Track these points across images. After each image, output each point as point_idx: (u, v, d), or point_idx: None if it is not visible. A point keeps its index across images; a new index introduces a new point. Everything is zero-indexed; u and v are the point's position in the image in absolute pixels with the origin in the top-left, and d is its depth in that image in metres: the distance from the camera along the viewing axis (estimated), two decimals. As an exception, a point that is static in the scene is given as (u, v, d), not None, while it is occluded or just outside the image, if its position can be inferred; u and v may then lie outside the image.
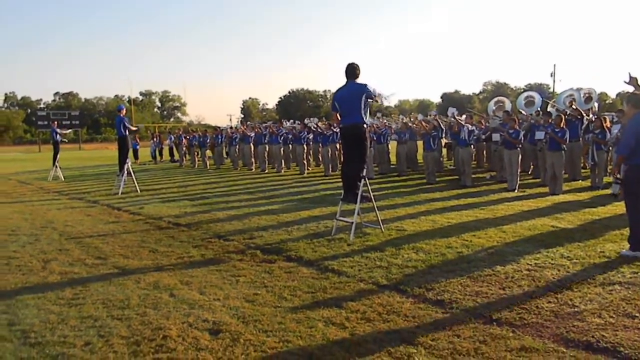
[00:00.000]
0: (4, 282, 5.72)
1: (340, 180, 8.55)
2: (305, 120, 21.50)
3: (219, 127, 26.04)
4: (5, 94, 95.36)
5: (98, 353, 3.81)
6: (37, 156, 43.56)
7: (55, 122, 22.57)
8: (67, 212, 10.71)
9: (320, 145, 18.15)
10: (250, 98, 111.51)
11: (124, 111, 14.43)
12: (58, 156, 18.99)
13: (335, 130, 16.85)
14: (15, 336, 4.19)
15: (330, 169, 17.25)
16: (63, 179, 18.47)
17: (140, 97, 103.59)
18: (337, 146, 17.45)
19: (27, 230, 8.81)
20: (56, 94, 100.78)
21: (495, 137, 13.22)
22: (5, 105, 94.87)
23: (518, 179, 12.00)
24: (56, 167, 18.85)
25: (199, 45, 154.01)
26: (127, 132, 14.16)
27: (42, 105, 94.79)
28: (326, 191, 12.74)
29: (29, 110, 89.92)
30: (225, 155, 24.15)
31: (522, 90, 59.30)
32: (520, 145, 12.14)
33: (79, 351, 3.85)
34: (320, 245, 6.93)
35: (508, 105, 16.72)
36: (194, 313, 4.56)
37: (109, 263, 6.42)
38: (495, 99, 17.93)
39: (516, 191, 11.60)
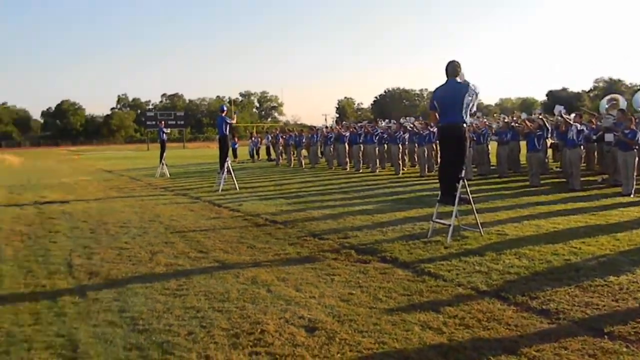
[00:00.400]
0: (115, 271, 6.12)
1: (436, 181, 8.35)
2: (401, 119, 21.25)
3: (315, 127, 26.40)
4: (118, 96, 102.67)
5: (200, 343, 3.96)
6: (145, 154, 46.43)
7: (163, 122, 23.92)
8: (172, 207, 11.29)
9: (416, 145, 17.84)
10: (345, 97, 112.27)
11: (226, 111, 14.99)
12: (165, 154, 20.11)
13: (432, 129, 16.49)
14: (125, 322, 4.46)
15: (426, 170, 16.91)
16: (169, 176, 19.50)
17: (240, 98, 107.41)
18: (434, 146, 17.07)
19: (136, 223, 9.38)
20: (163, 95, 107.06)
21: (609, 137, 12.31)
22: (118, 106, 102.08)
23: (634, 182, 11.09)
24: (163, 164, 19.92)
25: (295, 46, 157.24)
26: (228, 132, 14.71)
27: (150, 106, 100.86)
28: (422, 192, 12.49)
29: (139, 111, 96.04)
30: (320, 155, 24.42)
31: (638, 88, 54.89)
32: (636, 147, 11.21)
33: (182, 340, 4.02)
34: (415, 247, 6.79)
35: (623, 103, 15.49)
36: (290, 309, 4.62)
37: (210, 257, 6.68)
38: (609, 97, 16.70)
39: (632, 196, 10.71)
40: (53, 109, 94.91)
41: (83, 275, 6.03)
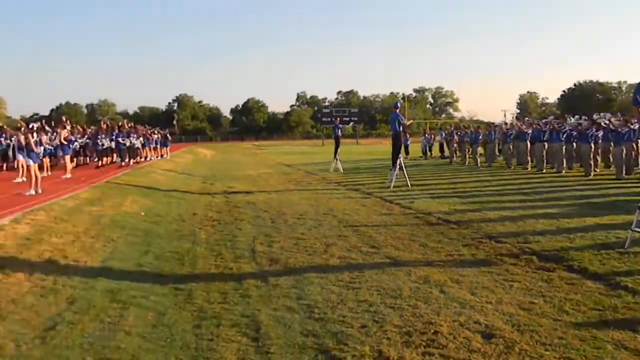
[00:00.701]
0: (293, 260, 6.46)
1: (637, 185, 7.40)
2: (594, 115, 19.30)
3: (493, 123, 25.21)
4: (298, 94, 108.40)
5: (373, 337, 3.99)
6: (320, 149, 48.31)
7: (338, 119, 24.62)
8: (345, 202, 11.59)
9: (612, 144, 16.02)
10: (528, 92, 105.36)
11: (400, 108, 14.97)
12: (339, 150, 20.73)
13: (632, 127, 14.70)
14: (302, 309, 4.67)
15: (624, 172, 15.10)
16: (342, 171, 20.06)
17: (414, 94, 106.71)
18: (634, 145, 15.21)
19: (312, 215, 9.80)
20: (339, 92, 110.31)
21: None
22: (297, 104, 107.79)
23: None
24: (337, 159, 20.57)
25: (471, 39, 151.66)
26: (401, 128, 14.68)
27: (326, 103, 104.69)
28: (617, 196, 11.15)
29: (315, 108, 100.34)
30: (497, 153, 23.23)
31: None
32: None
33: (355, 332, 4.09)
34: (609, 257, 6.07)
35: None
36: (464, 313, 4.45)
37: (381, 253, 6.71)
38: None
39: None
40: (240, 106, 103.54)
41: (265, 261, 6.47)
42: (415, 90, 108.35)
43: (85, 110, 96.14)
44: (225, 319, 4.49)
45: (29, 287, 5.26)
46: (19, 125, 16.84)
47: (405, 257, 6.47)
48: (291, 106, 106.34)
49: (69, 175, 15.33)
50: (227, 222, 9.28)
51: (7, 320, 4.40)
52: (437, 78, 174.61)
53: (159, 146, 28.34)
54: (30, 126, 13.25)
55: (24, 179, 13.25)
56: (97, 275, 5.84)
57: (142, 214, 9.99)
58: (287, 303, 4.84)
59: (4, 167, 17.86)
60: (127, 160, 21.05)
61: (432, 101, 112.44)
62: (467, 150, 24.08)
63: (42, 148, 12.68)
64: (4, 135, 18.02)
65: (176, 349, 3.93)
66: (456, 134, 25.87)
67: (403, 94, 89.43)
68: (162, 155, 28.43)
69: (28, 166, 11.71)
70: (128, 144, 21.24)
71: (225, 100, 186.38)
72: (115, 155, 21.36)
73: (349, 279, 5.53)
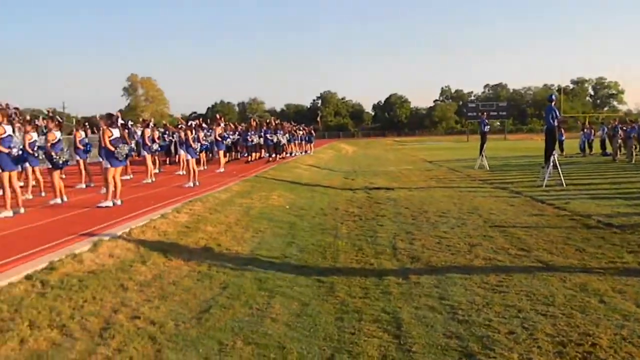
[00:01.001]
0: (435, 259, 6.31)
1: None
2: None
3: (666, 117, 22.44)
4: (442, 88, 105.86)
5: (522, 344, 3.76)
6: (465, 145, 46.83)
7: (485, 114, 23.56)
8: (491, 201, 11.06)
9: None
10: None
11: (555, 101, 13.94)
12: (485, 146, 19.86)
13: None
14: (444, 310, 4.53)
15: None
16: (488, 168, 19.20)
17: (571, 86, 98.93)
18: None
19: (455, 213, 9.49)
20: (486, 85, 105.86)
21: None
22: (441, 98, 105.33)
23: None
24: (482, 156, 19.73)
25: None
26: (556, 123, 13.65)
27: (472, 98, 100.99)
28: None
29: (460, 103, 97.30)
30: (673, 151, 20.67)
31: None
32: None
33: (503, 338, 3.87)
34: None
35: None
36: (628, 326, 4.02)
37: (532, 256, 6.31)
38: None
39: None
40: (382, 102, 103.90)
41: (406, 258, 6.39)
42: (573, 82, 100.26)
43: (236, 109, 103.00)
44: (366, 313, 4.51)
45: (187, 272, 5.74)
46: (179, 123, 18.49)
47: (559, 262, 6.01)
48: (435, 101, 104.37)
49: (222, 170, 16.53)
50: (368, 218, 9.33)
51: (168, 300, 4.83)
52: (599, 68, 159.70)
53: (303, 142, 29.43)
54: (189, 124, 14.44)
55: (184, 172, 14.56)
56: (247, 263, 6.19)
57: (287, 207, 10.42)
58: (429, 302, 4.73)
59: (167, 161, 19.79)
60: (273, 155, 22.14)
61: (592, 93, 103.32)
62: (633, 146, 21.71)
63: (199, 144, 13.77)
64: (167, 132, 19.99)
65: (319, 339, 4.02)
66: (621, 128, 23.43)
67: (558, 85, 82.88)
68: (306, 151, 29.48)
69: (187, 160, 12.82)
70: (275, 140, 22.30)
71: (367, 96, 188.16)
72: (263, 150, 22.58)
73: (496, 282, 5.26)
